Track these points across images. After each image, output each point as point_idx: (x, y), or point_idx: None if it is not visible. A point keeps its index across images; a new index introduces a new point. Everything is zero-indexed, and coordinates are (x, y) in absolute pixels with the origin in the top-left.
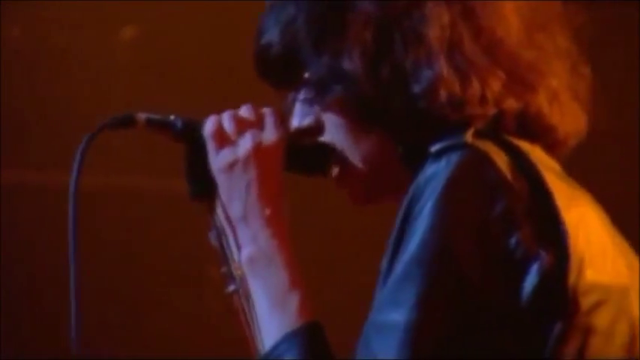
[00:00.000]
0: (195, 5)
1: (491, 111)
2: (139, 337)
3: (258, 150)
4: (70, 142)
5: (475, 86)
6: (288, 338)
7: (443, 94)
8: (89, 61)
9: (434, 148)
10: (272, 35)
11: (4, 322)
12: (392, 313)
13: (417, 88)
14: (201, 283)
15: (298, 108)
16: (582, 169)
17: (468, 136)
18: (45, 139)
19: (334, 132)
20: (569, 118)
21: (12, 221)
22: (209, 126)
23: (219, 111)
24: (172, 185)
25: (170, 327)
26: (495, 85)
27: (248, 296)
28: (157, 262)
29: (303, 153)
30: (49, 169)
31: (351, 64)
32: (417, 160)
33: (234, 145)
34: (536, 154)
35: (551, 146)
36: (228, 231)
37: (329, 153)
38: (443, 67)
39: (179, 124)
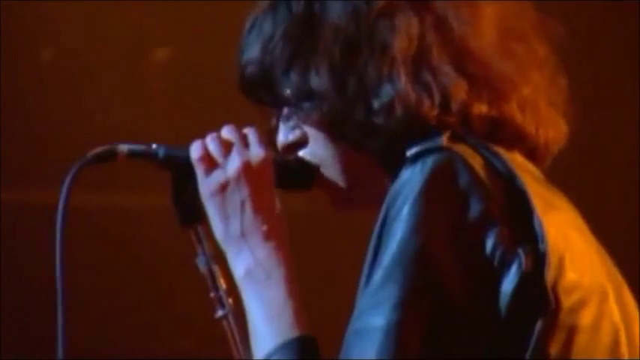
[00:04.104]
0: (230, 27)
1: (455, 118)
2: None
3: (247, 168)
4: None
5: (436, 96)
6: (281, 349)
7: (399, 110)
8: (119, 82)
9: (410, 153)
10: (251, 53)
11: (4, 329)
12: (371, 318)
13: (376, 104)
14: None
15: (282, 124)
16: (581, 169)
17: (444, 140)
18: (61, 158)
19: (315, 145)
20: (548, 126)
21: (13, 239)
22: (195, 151)
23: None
24: None
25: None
26: (460, 93)
27: (237, 320)
28: (167, 273)
29: (287, 170)
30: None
31: (319, 79)
32: (396, 166)
33: (223, 166)
34: (514, 158)
35: (532, 153)
36: (225, 250)
37: (313, 169)
38: (403, 80)
39: (161, 152)
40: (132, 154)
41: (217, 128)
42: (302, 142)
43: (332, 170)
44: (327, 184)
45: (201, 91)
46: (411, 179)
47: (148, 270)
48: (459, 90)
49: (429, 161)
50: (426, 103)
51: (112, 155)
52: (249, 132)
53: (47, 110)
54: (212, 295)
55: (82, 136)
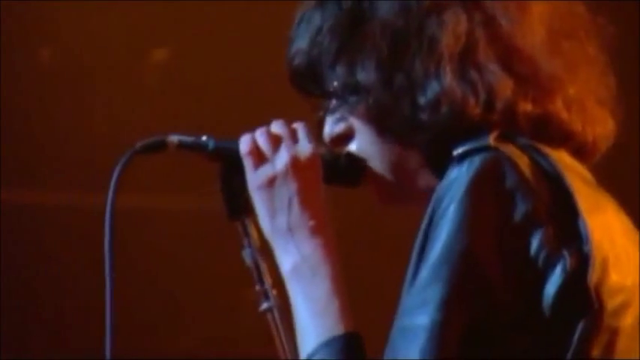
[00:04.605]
0: (227, 27)
1: (499, 116)
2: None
3: (295, 163)
4: (94, 164)
5: (481, 94)
6: (326, 345)
7: (444, 107)
8: (116, 82)
9: (457, 152)
10: (299, 45)
11: (5, 331)
12: (416, 316)
13: (422, 100)
14: (237, 303)
15: (328, 116)
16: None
17: (491, 139)
18: (61, 158)
19: (362, 139)
20: (595, 123)
21: (13, 239)
22: (244, 144)
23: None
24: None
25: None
26: (505, 91)
27: (282, 314)
28: (194, 281)
29: (336, 166)
30: (64, 190)
31: (365, 73)
32: (442, 164)
33: (271, 161)
34: (561, 157)
35: (580, 151)
36: (272, 244)
37: (361, 164)
38: (449, 77)
39: (211, 144)
40: (182, 145)
41: (217, 128)
42: (349, 135)
43: (380, 164)
44: (375, 177)
45: (200, 92)
46: (458, 178)
47: (148, 270)
48: (505, 88)
49: (477, 161)
50: (471, 100)
51: (161, 146)
52: (299, 127)
53: (47, 110)
54: (257, 287)
55: (82, 136)
